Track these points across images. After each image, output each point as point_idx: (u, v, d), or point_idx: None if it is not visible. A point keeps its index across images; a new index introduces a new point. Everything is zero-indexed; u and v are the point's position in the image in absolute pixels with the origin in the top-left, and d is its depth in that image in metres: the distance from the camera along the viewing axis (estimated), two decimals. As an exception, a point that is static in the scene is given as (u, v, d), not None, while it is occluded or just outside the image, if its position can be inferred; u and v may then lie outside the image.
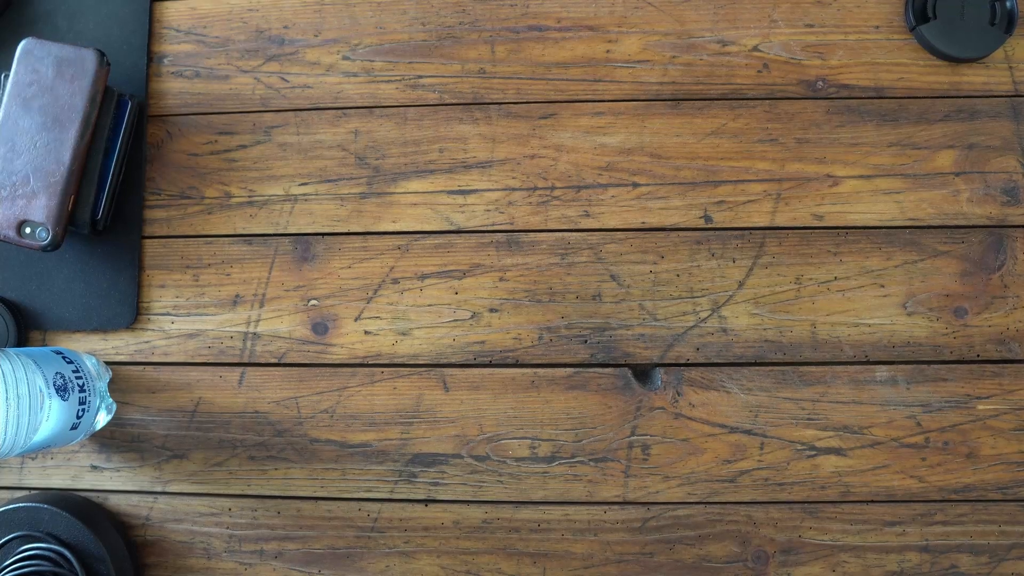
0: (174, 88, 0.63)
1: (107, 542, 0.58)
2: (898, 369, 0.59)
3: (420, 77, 0.63)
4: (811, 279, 0.59)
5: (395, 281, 0.61)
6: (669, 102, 0.61)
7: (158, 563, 0.60)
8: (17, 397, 0.51)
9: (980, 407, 0.58)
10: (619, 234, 0.60)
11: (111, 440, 0.61)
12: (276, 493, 0.60)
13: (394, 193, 0.62)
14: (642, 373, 0.60)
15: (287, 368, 0.61)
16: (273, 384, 0.61)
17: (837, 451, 0.58)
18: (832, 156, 0.60)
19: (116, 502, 0.61)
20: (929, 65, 0.61)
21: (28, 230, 0.58)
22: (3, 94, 0.58)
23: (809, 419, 0.59)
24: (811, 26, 0.61)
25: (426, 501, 0.60)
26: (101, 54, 0.59)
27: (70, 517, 0.57)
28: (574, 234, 0.61)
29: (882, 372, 0.59)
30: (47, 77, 0.58)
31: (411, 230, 0.61)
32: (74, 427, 0.56)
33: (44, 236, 0.58)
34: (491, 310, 0.60)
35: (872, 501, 0.58)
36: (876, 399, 0.58)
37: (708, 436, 0.59)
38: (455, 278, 0.61)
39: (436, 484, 0.60)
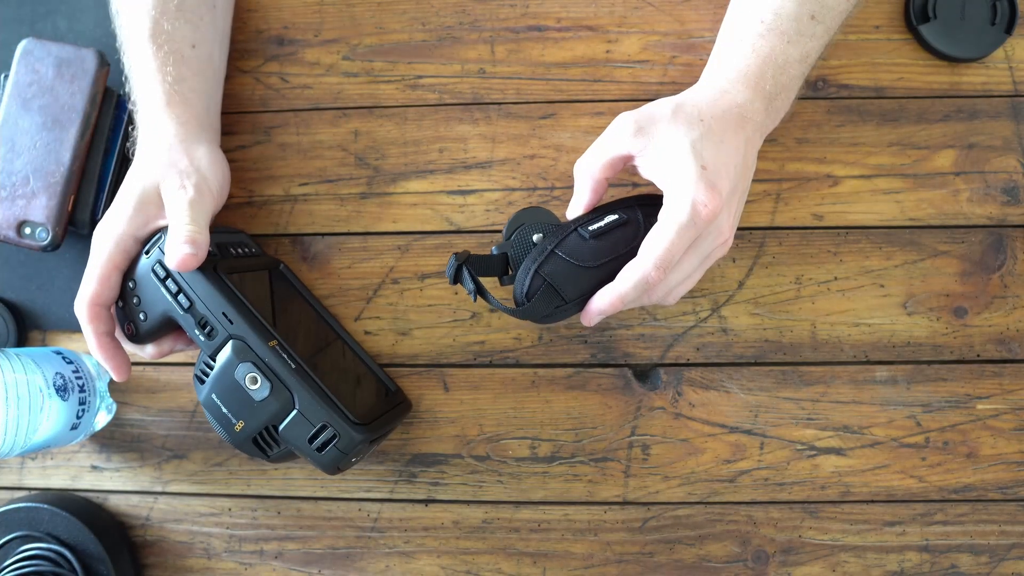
0: (174, 88, 0.63)
1: (107, 542, 0.58)
2: (898, 369, 0.59)
3: (420, 77, 0.63)
4: (811, 279, 0.59)
5: (395, 281, 0.61)
6: (669, 102, 0.61)
7: (158, 563, 0.60)
8: (17, 397, 0.51)
9: (980, 407, 0.58)
10: (619, 234, 0.60)
11: (111, 440, 0.61)
12: (276, 493, 0.60)
13: (394, 193, 0.62)
14: (642, 373, 0.60)
15: (287, 368, 0.61)
16: (273, 384, 0.61)
17: (837, 451, 0.58)
18: (832, 156, 0.60)
19: (116, 502, 0.61)
20: (929, 65, 0.61)
21: (28, 230, 0.58)
22: (3, 94, 0.58)
23: (809, 419, 0.59)
24: (811, 26, 0.61)
25: (426, 501, 0.60)
26: (101, 54, 0.59)
27: (70, 517, 0.57)
28: (574, 234, 0.61)
29: (882, 372, 0.59)
30: (47, 77, 0.58)
31: (411, 230, 0.61)
32: (74, 427, 0.56)
33: (44, 236, 0.58)
34: (491, 310, 0.60)
35: (872, 501, 0.58)
36: (876, 399, 0.58)
37: (708, 436, 0.59)
38: (455, 278, 0.61)
39: (436, 484, 0.60)
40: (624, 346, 0.60)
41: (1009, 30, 0.59)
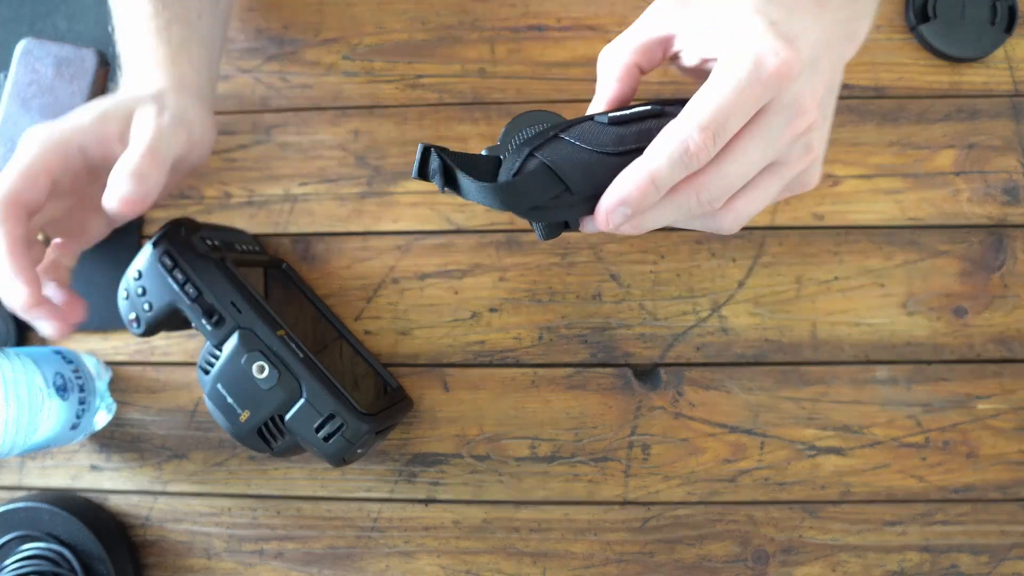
0: (174, 88, 0.63)
1: (107, 542, 0.58)
2: (898, 369, 0.59)
3: (420, 77, 0.62)
4: (811, 279, 0.59)
5: (395, 281, 0.61)
6: (669, 102, 0.61)
7: (158, 563, 0.60)
8: (17, 397, 0.51)
9: (980, 407, 0.58)
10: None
11: (111, 440, 0.61)
12: (276, 493, 0.60)
13: (394, 193, 0.62)
14: (642, 373, 0.60)
15: (287, 368, 0.61)
16: (273, 384, 0.61)
17: (837, 451, 0.58)
18: (832, 156, 0.60)
19: (116, 502, 0.61)
20: (929, 65, 0.61)
21: (28, 230, 0.58)
22: (3, 94, 0.58)
23: (809, 419, 0.59)
24: (811, 26, 0.61)
25: (426, 501, 0.60)
26: (101, 54, 0.59)
27: (70, 517, 0.57)
28: (574, 234, 0.60)
29: (882, 372, 0.59)
30: (47, 77, 0.58)
31: (411, 230, 0.61)
32: (74, 427, 0.56)
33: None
34: (491, 310, 0.60)
35: (872, 501, 0.58)
36: (876, 399, 0.58)
37: (708, 436, 0.59)
38: (455, 278, 0.61)
39: (436, 484, 0.60)
40: (624, 346, 0.60)
41: (1009, 30, 0.59)
